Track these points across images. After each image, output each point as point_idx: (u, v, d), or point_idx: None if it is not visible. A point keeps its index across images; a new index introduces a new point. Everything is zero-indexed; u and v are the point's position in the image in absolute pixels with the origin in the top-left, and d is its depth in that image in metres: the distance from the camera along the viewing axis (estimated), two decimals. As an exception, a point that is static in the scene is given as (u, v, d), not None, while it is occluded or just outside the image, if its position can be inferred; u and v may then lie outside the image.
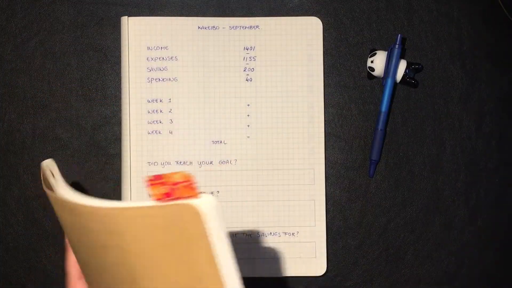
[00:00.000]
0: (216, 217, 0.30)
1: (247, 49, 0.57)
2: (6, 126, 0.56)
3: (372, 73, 0.56)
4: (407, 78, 0.56)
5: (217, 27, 0.56)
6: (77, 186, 0.56)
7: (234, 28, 0.57)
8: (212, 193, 0.55)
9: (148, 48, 0.56)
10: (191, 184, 0.31)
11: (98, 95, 0.56)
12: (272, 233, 0.56)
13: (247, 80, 0.57)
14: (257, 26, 0.57)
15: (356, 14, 0.57)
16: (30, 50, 0.56)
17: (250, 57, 0.57)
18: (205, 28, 0.56)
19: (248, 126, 0.56)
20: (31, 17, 0.56)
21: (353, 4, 0.57)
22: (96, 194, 0.53)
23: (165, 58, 0.56)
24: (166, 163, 0.55)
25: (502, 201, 0.58)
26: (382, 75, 0.56)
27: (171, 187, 0.31)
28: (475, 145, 0.58)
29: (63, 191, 0.35)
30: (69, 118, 0.56)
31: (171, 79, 0.56)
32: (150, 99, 0.56)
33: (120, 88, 0.56)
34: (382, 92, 0.56)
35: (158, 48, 0.56)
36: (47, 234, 0.55)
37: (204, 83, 0.56)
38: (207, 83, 0.56)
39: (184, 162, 0.55)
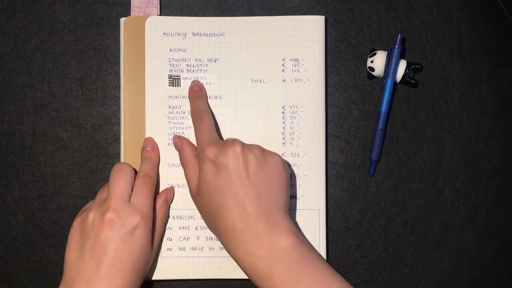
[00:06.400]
0: None
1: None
2: (6, 126, 0.56)
3: (372, 73, 0.56)
4: (407, 78, 0.56)
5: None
6: (77, 185, 0.56)
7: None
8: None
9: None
10: None
11: (98, 95, 0.56)
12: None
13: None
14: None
15: (356, 14, 0.57)
16: (30, 50, 0.56)
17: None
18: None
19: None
20: (31, 17, 0.56)
21: (353, 4, 0.57)
22: (96, 194, 0.53)
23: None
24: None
25: (502, 201, 0.58)
26: (382, 75, 0.56)
27: None
28: (475, 145, 0.58)
29: None
30: (69, 118, 0.56)
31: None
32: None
33: (120, 88, 0.56)
34: (382, 92, 0.56)
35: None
36: (47, 234, 0.55)
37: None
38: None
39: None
